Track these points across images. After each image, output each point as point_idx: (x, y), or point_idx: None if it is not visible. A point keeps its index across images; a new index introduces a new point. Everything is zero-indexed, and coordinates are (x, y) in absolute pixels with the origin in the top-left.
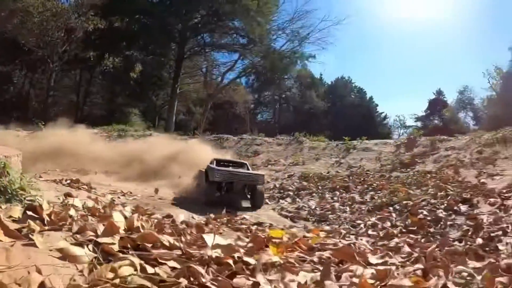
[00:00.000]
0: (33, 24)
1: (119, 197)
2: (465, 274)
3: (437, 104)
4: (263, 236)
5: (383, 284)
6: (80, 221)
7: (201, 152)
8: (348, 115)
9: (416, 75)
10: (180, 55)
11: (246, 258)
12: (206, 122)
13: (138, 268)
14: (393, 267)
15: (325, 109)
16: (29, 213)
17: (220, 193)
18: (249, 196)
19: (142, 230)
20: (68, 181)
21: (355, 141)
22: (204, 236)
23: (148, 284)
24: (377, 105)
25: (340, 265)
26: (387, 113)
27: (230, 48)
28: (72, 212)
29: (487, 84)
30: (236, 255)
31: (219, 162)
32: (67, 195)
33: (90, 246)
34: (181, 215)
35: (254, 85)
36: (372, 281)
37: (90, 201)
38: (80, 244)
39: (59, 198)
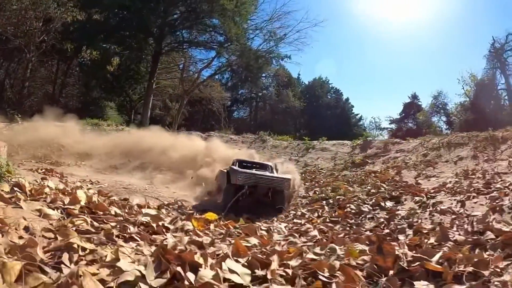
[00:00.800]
0: (11, 12)
1: (87, 185)
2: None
3: (411, 108)
4: (199, 217)
5: (262, 247)
6: (53, 195)
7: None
8: (323, 115)
9: (393, 79)
10: (157, 51)
11: (167, 225)
12: (181, 117)
13: (89, 222)
14: (281, 241)
15: (301, 108)
16: (16, 189)
17: (242, 197)
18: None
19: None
20: (43, 170)
21: (315, 141)
22: (143, 209)
23: (92, 229)
24: (352, 106)
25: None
26: (363, 115)
27: (207, 46)
28: (47, 190)
29: (461, 90)
30: (160, 222)
31: (241, 163)
32: (43, 178)
33: (59, 210)
34: (136, 199)
35: (230, 83)
36: (250, 244)
37: (61, 184)
38: (52, 208)
39: (36, 181)
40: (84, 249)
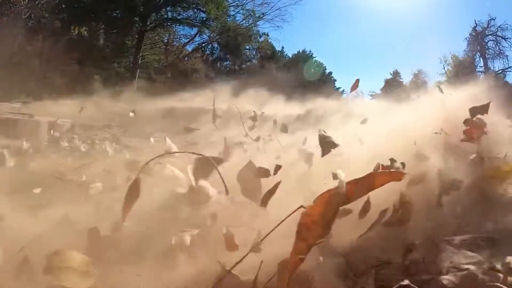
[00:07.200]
0: None
1: None
2: None
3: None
4: None
5: None
6: None
7: None
8: (306, 88)
9: (378, 55)
10: (143, 28)
11: None
12: (165, 90)
13: None
14: None
15: (284, 81)
16: None
17: None
18: None
19: None
20: None
21: None
22: None
23: None
24: (335, 80)
25: None
26: (346, 89)
27: (189, 24)
28: None
29: (442, 70)
30: None
31: None
32: None
33: None
34: None
35: (211, 58)
36: None
37: None
38: None
39: None
40: None
